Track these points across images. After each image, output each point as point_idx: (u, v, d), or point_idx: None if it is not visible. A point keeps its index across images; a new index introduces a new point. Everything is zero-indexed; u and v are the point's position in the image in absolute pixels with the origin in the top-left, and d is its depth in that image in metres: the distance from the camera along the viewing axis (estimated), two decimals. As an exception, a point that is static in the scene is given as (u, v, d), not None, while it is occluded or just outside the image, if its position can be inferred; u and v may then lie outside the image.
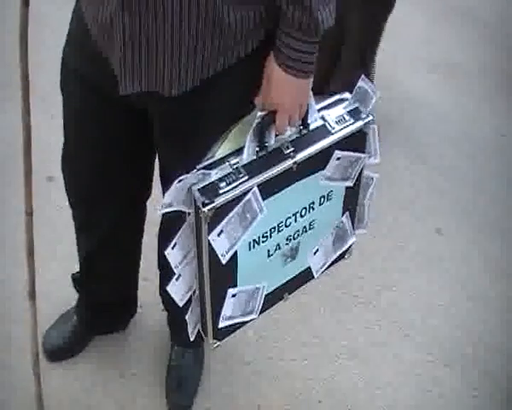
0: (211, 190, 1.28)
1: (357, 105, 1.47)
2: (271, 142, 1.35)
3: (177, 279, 1.42)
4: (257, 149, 1.33)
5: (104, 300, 2.01)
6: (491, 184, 3.02)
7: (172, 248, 1.37)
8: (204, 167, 1.30)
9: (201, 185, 1.28)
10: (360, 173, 1.52)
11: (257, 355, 2.20)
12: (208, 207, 1.26)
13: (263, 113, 1.31)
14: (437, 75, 3.59)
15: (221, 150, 1.35)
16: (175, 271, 1.40)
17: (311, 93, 1.37)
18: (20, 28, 1.36)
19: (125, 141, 1.56)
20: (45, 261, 2.12)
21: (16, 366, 2.02)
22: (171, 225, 1.40)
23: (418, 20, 3.96)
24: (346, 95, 1.48)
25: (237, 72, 1.31)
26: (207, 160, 1.32)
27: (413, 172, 2.99)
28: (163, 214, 1.63)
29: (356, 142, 1.46)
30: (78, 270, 1.98)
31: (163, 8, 1.18)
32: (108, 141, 1.54)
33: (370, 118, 1.45)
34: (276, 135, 1.35)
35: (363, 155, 1.48)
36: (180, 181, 1.27)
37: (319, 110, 1.44)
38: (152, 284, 2.08)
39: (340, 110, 1.46)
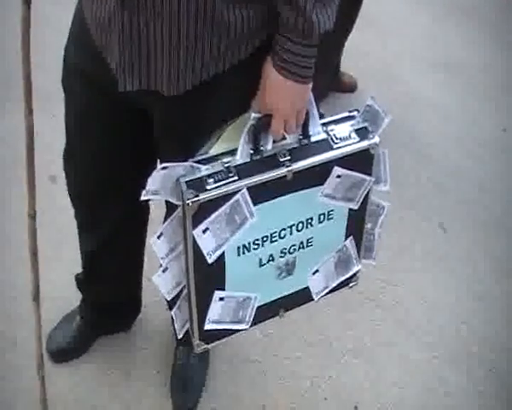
0: (198, 185, 1.28)
1: (366, 125, 1.44)
2: (268, 147, 1.34)
3: (163, 271, 1.42)
4: (251, 151, 1.32)
5: (107, 300, 2.01)
6: (495, 182, 3.01)
7: (158, 237, 1.37)
8: (195, 161, 1.30)
9: (189, 179, 1.28)
10: (366, 198, 1.48)
11: (262, 354, 2.19)
12: (193, 200, 1.26)
13: (257, 115, 1.30)
14: (441, 74, 3.59)
15: (215, 148, 1.34)
16: (161, 262, 1.40)
17: (313, 103, 1.35)
18: (22, 28, 1.35)
19: (126, 140, 1.55)
20: (49, 262, 2.12)
21: (21, 368, 2.02)
22: None
23: (422, 18, 3.95)
24: (356, 113, 1.46)
25: (238, 73, 1.31)
26: (200, 155, 1.33)
27: (418, 171, 2.98)
28: (166, 211, 1.64)
29: (360, 162, 1.42)
30: (81, 270, 1.98)
31: (161, 7, 1.17)
32: (110, 139, 1.54)
33: (377, 139, 1.42)
34: (275, 141, 1.34)
35: (367, 178, 1.44)
36: (165, 168, 1.26)
37: (325, 124, 1.42)
38: (156, 284, 2.08)
39: (347, 127, 1.43)
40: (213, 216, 1.30)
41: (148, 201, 1.75)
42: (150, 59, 1.25)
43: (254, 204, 1.33)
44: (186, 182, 1.28)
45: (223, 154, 1.33)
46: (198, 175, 1.29)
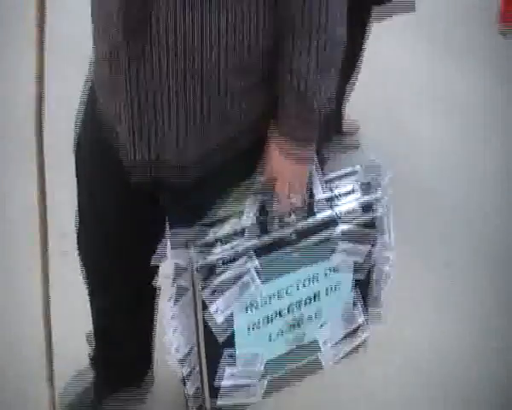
0: (208, 271, 1.33)
1: (368, 180, 1.48)
2: (274, 212, 1.37)
3: (173, 332, 1.45)
4: (258, 230, 1.37)
5: (120, 355, 2.00)
6: (496, 216, 3.01)
7: (171, 303, 1.41)
8: (203, 224, 1.35)
9: (200, 263, 1.32)
10: (373, 266, 1.53)
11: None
12: (203, 288, 1.32)
13: (262, 179, 1.35)
14: (441, 108, 3.59)
15: (223, 211, 1.38)
16: (172, 323, 1.43)
17: (317, 163, 1.39)
18: (36, 108, 1.42)
19: (138, 214, 1.58)
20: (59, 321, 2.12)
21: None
22: None
23: (420, 54, 3.95)
24: (358, 168, 1.50)
25: (244, 139, 1.35)
26: (208, 218, 1.37)
27: (420, 209, 2.99)
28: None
29: (365, 234, 1.47)
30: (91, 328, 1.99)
31: (168, 85, 1.21)
32: (122, 210, 1.57)
33: (379, 194, 1.47)
34: (281, 221, 1.38)
35: (372, 249, 1.49)
36: (174, 233, 1.32)
37: (329, 181, 1.46)
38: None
39: (350, 183, 1.47)
40: (223, 296, 1.35)
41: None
42: (158, 130, 1.28)
43: (261, 281, 1.38)
44: (197, 268, 1.32)
45: (230, 217, 1.37)
46: (208, 259, 1.33)
